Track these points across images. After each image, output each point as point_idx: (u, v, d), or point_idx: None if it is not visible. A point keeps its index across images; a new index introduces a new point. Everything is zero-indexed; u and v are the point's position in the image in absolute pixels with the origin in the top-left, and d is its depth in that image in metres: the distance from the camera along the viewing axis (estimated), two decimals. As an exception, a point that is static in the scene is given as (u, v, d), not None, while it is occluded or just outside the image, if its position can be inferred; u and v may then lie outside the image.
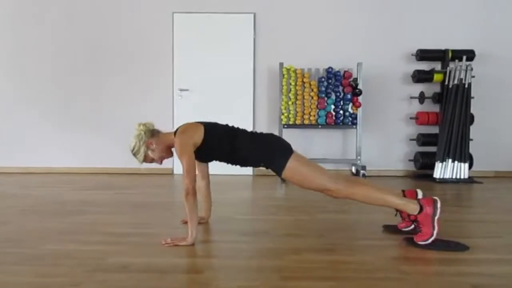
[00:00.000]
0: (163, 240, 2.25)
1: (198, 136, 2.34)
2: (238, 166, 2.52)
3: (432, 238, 2.17)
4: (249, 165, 2.50)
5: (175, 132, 2.39)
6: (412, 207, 2.22)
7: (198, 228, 2.29)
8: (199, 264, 2.01)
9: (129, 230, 2.56)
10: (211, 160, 2.53)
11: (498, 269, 1.91)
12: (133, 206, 3.27)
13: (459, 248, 2.18)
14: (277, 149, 2.37)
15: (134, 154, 2.41)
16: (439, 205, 2.20)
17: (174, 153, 2.42)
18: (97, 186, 4.27)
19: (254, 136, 2.44)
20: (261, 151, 2.38)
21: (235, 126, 2.51)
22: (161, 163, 2.49)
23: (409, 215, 2.25)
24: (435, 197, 2.24)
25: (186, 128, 2.37)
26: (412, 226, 2.36)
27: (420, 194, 2.39)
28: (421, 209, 2.20)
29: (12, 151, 5.35)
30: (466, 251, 2.16)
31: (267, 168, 2.42)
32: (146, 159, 2.42)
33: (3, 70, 5.35)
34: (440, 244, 2.18)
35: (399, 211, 2.36)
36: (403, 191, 2.41)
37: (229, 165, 2.51)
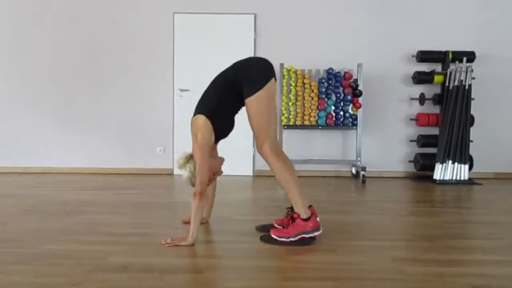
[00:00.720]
0: (163, 240, 2.25)
1: (203, 124, 2.31)
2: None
3: (285, 240, 2.27)
4: (239, 93, 2.38)
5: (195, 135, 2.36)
6: (304, 211, 2.29)
7: (198, 228, 2.29)
8: (199, 264, 2.00)
9: (129, 230, 2.56)
10: (233, 118, 2.49)
11: (499, 270, 1.91)
12: (133, 206, 3.27)
13: (305, 243, 2.26)
14: (256, 72, 2.34)
15: (195, 185, 2.39)
16: (316, 233, 2.29)
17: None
18: (97, 186, 4.26)
19: (235, 62, 2.45)
20: (242, 70, 2.37)
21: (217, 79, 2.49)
22: (221, 171, 2.52)
23: (294, 212, 2.33)
24: (321, 228, 2.32)
25: (193, 130, 2.34)
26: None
27: (317, 218, 2.40)
28: (307, 219, 2.28)
29: (11, 151, 5.34)
30: (311, 244, 2.25)
31: (240, 88, 2.35)
32: (208, 180, 2.40)
33: (2, 70, 5.35)
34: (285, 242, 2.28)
35: (290, 209, 2.42)
36: (311, 205, 2.40)
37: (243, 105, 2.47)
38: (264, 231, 2.48)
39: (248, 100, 2.30)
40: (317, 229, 2.30)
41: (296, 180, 2.32)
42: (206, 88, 2.47)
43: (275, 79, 2.38)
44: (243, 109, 2.43)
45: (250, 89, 2.28)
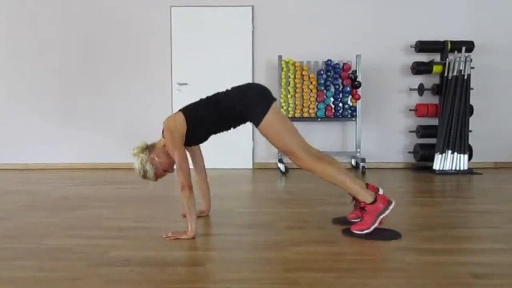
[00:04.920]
0: (164, 234, 2.26)
1: (181, 124, 2.33)
2: (232, 129, 2.49)
3: (368, 231, 2.23)
4: (237, 121, 2.42)
5: (162, 133, 2.39)
6: (367, 196, 2.27)
7: (198, 221, 2.30)
8: (200, 257, 2.01)
9: (130, 224, 2.57)
10: (208, 136, 2.49)
11: (499, 259, 1.92)
12: (133, 201, 3.27)
13: (393, 236, 2.23)
14: (257, 98, 2.34)
15: (144, 177, 2.40)
16: (391, 207, 2.25)
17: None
18: (97, 181, 4.27)
19: (233, 89, 2.42)
20: (241, 100, 2.35)
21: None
22: (172, 170, 2.50)
23: (360, 202, 2.30)
24: (392, 200, 2.28)
25: (168, 124, 2.35)
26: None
27: (381, 191, 2.41)
28: (374, 201, 2.25)
29: (11, 147, 5.34)
30: (399, 238, 2.21)
31: (246, 120, 2.37)
32: (157, 174, 2.42)
33: (2, 67, 5.33)
34: (374, 234, 2.23)
35: (355, 200, 2.40)
36: (367, 184, 2.41)
37: (227, 131, 2.49)
38: (340, 222, 2.50)
39: (259, 128, 2.31)
40: (389, 203, 2.25)
41: (341, 171, 2.32)
42: (201, 99, 2.46)
43: (275, 100, 2.37)
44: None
45: (257, 118, 2.29)
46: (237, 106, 2.34)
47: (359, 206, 2.32)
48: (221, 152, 4.78)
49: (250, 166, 5.24)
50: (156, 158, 2.39)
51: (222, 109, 2.36)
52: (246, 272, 1.79)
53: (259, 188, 3.96)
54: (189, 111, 2.39)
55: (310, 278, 1.71)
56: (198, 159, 2.66)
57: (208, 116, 2.38)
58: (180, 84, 5.24)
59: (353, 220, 2.47)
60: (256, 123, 2.32)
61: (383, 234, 2.25)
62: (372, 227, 2.23)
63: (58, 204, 3.14)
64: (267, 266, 1.86)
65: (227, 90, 2.44)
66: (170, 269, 1.81)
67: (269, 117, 2.28)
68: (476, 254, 2.00)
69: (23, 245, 2.17)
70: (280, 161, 4.77)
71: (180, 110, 2.42)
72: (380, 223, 2.25)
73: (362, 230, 2.24)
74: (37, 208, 3.03)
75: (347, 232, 2.30)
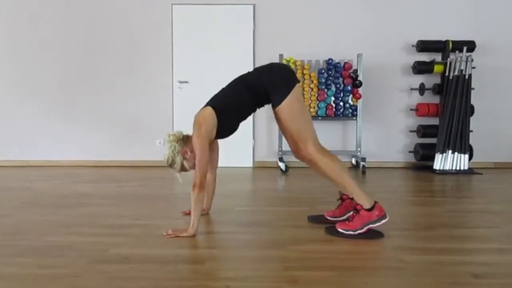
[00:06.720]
0: (165, 231, 2.26)
1: (210, 118, 2.29)
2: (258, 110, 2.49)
3: (352, 233, 2.21)
4: (262, 101, 2.38)
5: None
6: (366, 201, 2.24)
7: (199, 220, 2.29)
8: (200, 255, 2.01)
9: (130, 221, 2.57)
10: (239, 123, 2.46)
11: (499, 258, 1.92)
12: (133, 198, 3.27)
13: (374, 236, 2.21)
14: (281, 78, 2.31)
15: (170, 166, 2.41)
16: (383, 221, 2.22)
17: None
18: (97, 179, 4.27)
19: (256, 69, 2.42)
20: (265, 78, 2.31)
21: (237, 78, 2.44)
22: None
23: (356, 203, 2.27)
24: (387, 214, 2.24)
25: (198, 119, 2.31)
26: (342, 218, 2.42)
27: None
28: (371, 208, 2.22)
29: (11, 144, 5.34)
30: (382, 238, 2.19)
31: (268, 98, 2.33)
32: (183, 168, 2.42)
33: (2, 66, 5.33)
34: (356, 237, 2.21)
35: (341, 199, 2.42)
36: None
37: (254, 113, 2.49)
38: (317, 222, 2.49)
39: (279, 108, 2.28)
40: (384, 216, 2.22)
41: (348, 171, 2.30)
42: (223, 88, 2.44)
43: (298, 82, 2.36)
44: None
45: (279, 97, 2.26)
46: (261, 85, 2.30)
47: (355, 208, 2.29)
48: (221, 150, 4.78)
49: (251, 165, 5.24)
50: (189, 153, 2.37)
51: (247, 91, 2.33)
52: (246, 270, 1.79)
53: (259, 187, 3.96)
54: (216, 103, 2.34)
55: (310, 276, 1.71)
56: (214, 159, 2.61)
57: (235, 102, 2.35)
58: (181, 82, 5.24)
59: (329, 218, 2.49)
60: (277, 103, 2.27)
61: (365, 235, 2.23)
62: (357, 232, 2.21)
63: (59, 201, 3.14)
64: (267, 265, 1.86)
65: (249, 72, 2.41)
66: (170, 266, 1.81)
67: (291, 98, 2.25)
68: (476, 253, 2.00)
69: (23, 242, 2.17)
70: (281, 159, 4.76)
71: (208, 104, 2.36)
72: (366, 231, 2.22)
73: (347, 230, 2.22)
74: (38, 205, 3.03)
75: (330, 229, 2.29)
